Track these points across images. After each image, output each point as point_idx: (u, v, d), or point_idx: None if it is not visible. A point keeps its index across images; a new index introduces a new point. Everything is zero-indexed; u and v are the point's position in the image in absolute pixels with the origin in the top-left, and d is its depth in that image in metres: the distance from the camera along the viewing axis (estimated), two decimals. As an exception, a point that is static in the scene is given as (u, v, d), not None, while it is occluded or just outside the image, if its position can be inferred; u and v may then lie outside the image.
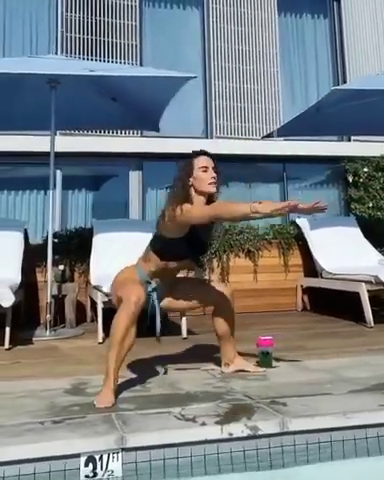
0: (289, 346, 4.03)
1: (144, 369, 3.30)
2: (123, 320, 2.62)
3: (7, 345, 4.23)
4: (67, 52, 8.06)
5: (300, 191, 9.37)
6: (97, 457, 2.03)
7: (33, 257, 5.78)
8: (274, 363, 3.30)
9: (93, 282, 5.10)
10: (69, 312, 5.57)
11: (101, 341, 4.44)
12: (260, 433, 2.12)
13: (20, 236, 5.56)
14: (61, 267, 5.73)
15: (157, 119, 5.61)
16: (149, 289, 2.90)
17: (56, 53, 7.87)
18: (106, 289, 4.56)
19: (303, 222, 6.49)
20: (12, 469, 1.96)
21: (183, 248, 2.84)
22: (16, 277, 5.12)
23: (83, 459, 2.02)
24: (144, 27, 8.80)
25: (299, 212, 2.68)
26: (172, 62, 8.42)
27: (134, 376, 3.11)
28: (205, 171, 2.83)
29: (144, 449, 2.05)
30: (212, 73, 8.88)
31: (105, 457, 2.04)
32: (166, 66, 8.28)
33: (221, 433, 2.10)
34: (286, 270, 6.66)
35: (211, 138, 8.77)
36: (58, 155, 7.77)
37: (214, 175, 2.84)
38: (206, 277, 6.43)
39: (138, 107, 5.41)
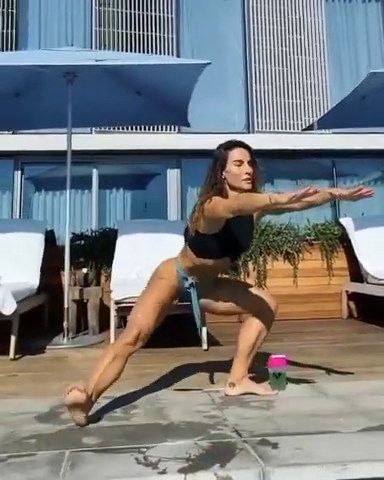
0: (317, 362, 3.56)
1: (141, 387, 2.96)
2: (112, 350, 2.52)
3: (12, 355, 3.97)
4: (102, 47, 7.85)
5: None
6: (31, 509, 1.67)
7: (59, 259, 5.53)
8: (288, 385, 2.85)
9: (112, 288, 4.76)
10: (91, 318, 5.27)
11: (114, 352, 4.11)
12: (234, 486, 1.70)
13: (40, 237, 5.34)
14: (84, 270, 5.45)
15: (184, 113, 5.23)
16: (186, 285, 2.65)
17: (91, 48, 7.67)
18: (119, 296, 4.27)
19: (347, 221, 5.95)
20: None
21: (219, 245, 2.56)
22: (33, 281, 4.91)
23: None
24: (182, 19, 8.46)
25: (341, 198, 2.36)
26: (211, 54, 8.03)
27: (124, 396, 2.75)
28: (239, 165, 2.54)
29: (90, 501, 1.67)
30: (254, 65, 8.43)
31: (41, 509, 1.67)
32: (204, 57, 7.95)
33: (184, 485, 1.69)
34: (330, 274, 6.13)
35: (253, 133, 8.31)
36: (94, 153, 7.60)
37: (249, 170, 2.54)
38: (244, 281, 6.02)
39: (162, 100, 5.08)
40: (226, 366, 3.15)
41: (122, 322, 5.67)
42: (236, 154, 2.56)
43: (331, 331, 5.09)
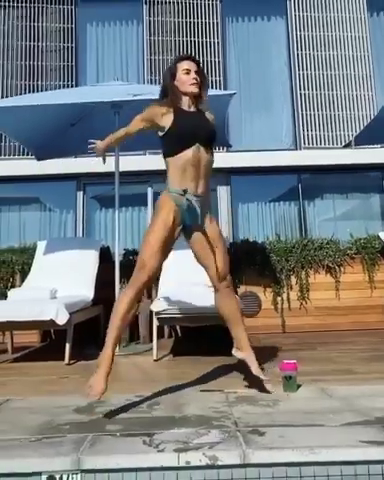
0: (337, 369, 3.86)
1: (172, 388, 3.33)
2: (125, 301, 2.84)
3: (67, 360, 4.44)
4: (154, 74, 8.40)
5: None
6: (57, 477, 2.10)
7: (114, 273, 6.00)
8: (301, 388, 3.16)
9: (155, 304, 5.00)
10: (142, 328, 5.72)
11: (156, 358, 4.53)
12: (219, 463, 2.06)
13: (95, 254, 5.82)
14: (135, 284, 5.90)
15: (222, 135, 5.61)
16: (184, 203, 2.95)
17: (144, 76, 8.25)
18: (158, 308, 4.62)
19: (384, 235, 6.14)
20: (-20, 483, 2.08)
21: (181, 133, 2.95)
22: (87, 294, 5.40)
23: (44, 477, 2.09)
24: (228, 43, 8.91)
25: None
26: (256, 75, 8.43)
27: (153, 395, 3.14)
28: (187, 73, 3.02)
29: (103, 471, 2.08)
30: (299, 82, 8.74)
31: (65, 477, 2.09)
32: (250, 78, 8.35)
33: (178, 461, 2.07)
34: (372, 287, 6.30)
35: (300, 149, 8.59)
36: (148, 173, 8.14)
37: (195, 76, 3.02)
38: (285, 294, 6.29)
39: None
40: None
41: (172, 332, 6.13)
42: (184, 65, 3.04)
43: (367, 341, 5.27)
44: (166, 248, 2.97)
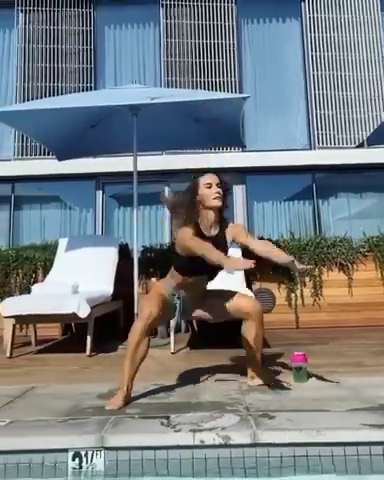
0: (347, 362, 4.01)
1: (189, 378, 3.53)
2: (135, 333, 2.94)
3: (88, 352, 4.64)
4: (171, 75, 8.59)
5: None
6: (82, 453, 2.29)
7: (132, 270, 6.19)
8: (311, 379, 3.31)
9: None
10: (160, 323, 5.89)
11: (173, 351, 4.72)
12: (231, 443, 2.23)
13: (114, 251, 6.02)
14: (153, 280, 6.08)
15: (237, 136, 5.78)
16: (174, 301, 3.15)
17: (161, 77, 8.45)
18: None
19: (398, 233, 6.24)
20: (13, 458, 2.28)
21: (191, 264, 2.99)
22: (107, 289, 5.59)
23: (70, 454, 2.29)
24: (243, 45, 9.08)
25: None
26: (272, 76, 8.57)
27: (170, 384, 3.32)
28: (209, 187, 3.05)
29: (124, 449, 2.27)
30: (314, 83, 8.87)
31: (89, 453, 2.28)
32: (266, 79, 8.50)
33: (193, 440, 2.24)
34: (384, 284, 6.42)
35: (314, 149, 8.71)
36: (166, 172, 8.33)
37: (218, 190, 3.05)
38: (298, 290, 6.45)
39: (217, 127, 5.64)
40: (267, 364, 3.66)
41: (189, 326, 6.30)
42: (206, 178, 3.08)
43: (378, 336, 5.40)
44: (164, 310, 3.07)
